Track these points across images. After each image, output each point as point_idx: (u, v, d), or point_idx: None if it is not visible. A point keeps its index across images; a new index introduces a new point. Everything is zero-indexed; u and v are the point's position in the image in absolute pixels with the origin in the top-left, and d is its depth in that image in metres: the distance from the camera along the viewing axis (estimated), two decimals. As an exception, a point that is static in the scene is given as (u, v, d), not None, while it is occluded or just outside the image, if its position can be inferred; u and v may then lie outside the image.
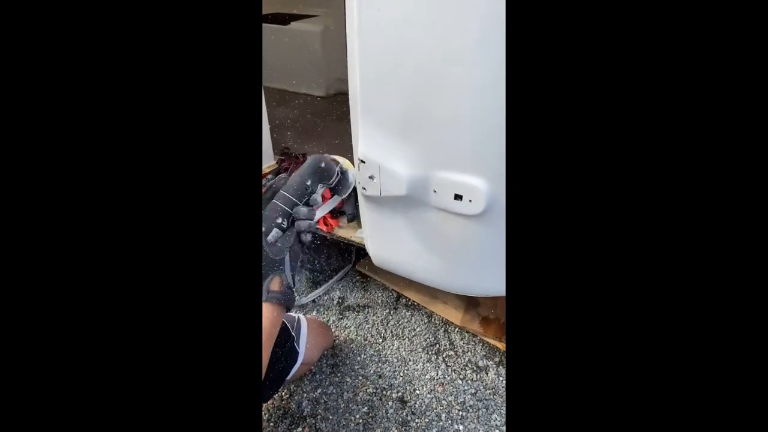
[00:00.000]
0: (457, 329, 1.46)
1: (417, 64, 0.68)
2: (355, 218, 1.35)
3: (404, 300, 1.58)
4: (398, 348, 1.40)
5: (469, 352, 1.39)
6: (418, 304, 1.56)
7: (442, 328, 1.47)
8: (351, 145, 1.79)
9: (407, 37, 0.66)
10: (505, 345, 1.43)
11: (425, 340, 1.43)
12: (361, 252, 1.80)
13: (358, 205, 1.39)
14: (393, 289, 1.61)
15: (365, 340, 1.43)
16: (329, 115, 2.32)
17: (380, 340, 1.43)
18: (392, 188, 0.83)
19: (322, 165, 0.66)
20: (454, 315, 1.49)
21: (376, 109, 0.77)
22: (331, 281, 1.64)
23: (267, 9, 2.63)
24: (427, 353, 1.39)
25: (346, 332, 1.46)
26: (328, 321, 1.50)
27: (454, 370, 1.33)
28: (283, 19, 2.49)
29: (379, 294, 1.61)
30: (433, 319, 1.50)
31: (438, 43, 0.65)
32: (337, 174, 0.67)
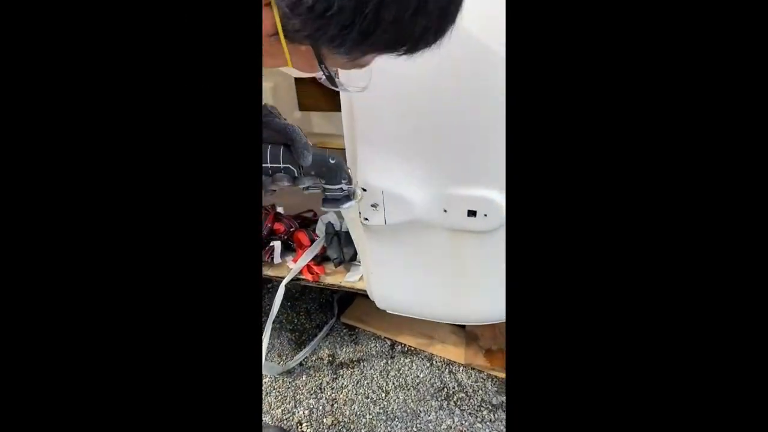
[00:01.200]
0: (461, 368, 1.37)
1: (417, 78, 0.66)
2: (341, 262, 1.26)
3: (400, 347, 1.47)
4: (405, 400, 1.28)
5: (480, 390, 1.29)
6: (415, 348, 1.45)
7: (446, 370, 1.37)
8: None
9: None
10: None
11: (432, 386, 1.32)
12: (344, 302, 1.68)
13: (343, 249, 1.31)
14: (386, 337, 1.50)
15: (367, 397, 1.29)
16: (288, 168, 2.27)
17: (383, 395, 1.30)
18: (398, 214, 0.78)
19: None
20: (456, 353, 1.41)
21: (374, 134, 0.73)
22: (316, 339, 1.50)
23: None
24: (437, 400, 1.27)
25: (344, 393, 1.31)
26: (321, 383, 1.35)
27: (470, 413, 1.23)
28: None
29: (372, 344, 1.49)
30: (434, 362, 1.40)
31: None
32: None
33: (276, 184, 0.64)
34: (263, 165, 0.64)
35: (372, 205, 0.78)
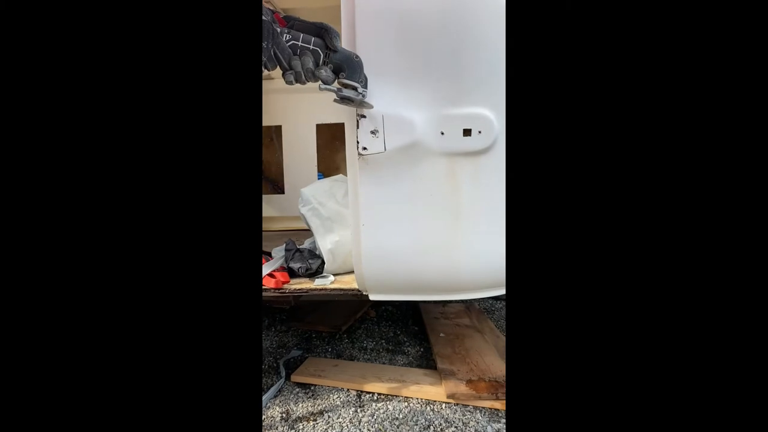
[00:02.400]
0: (444, 405, 1.17)
1: (414, 8, 0.77)
2: (308, 270, 1.12)
3: (368, 395, 1.24)
4: (387, 443, 1.02)
5: (471, 422, 1.10)
6: (386, 395, 1.23)
7: (427, 408, 1.16)
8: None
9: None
10: (504, 403, 1.19)
11: (416, 424, 1.09)
12: (291, 366, 1.41)
13: (309, 260, 1.19)
14: (349, 389, 1.26)
15: (339, 447, 1.01)
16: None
17: (359, 443, 1.03)
18: (399, 137, 0.78)
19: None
20: (432, 392, 1.22)
21: (374, 62, 0.79)
22: (264, 397, 1.20)
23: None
24: (426, 436, 1.04)
25: (307, 446, 1.01)
26: (275, 442, 1.03)
27: (467, 444, 1.01)
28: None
29: (335, 396, 1.23)
30: (411, 403, 1.19)
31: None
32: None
33: (300, 60, 0.65)
34: (294, 42, 0.66)
35: (371, 132, 0.79)
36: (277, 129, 2.39)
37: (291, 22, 0.69)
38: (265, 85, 2.25)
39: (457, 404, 1.17)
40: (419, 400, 1.20)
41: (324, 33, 0.69)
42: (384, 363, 1.43)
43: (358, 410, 1.16)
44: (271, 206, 2.43)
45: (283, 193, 2.40)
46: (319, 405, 1.19)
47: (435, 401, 1.19)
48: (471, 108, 0.80)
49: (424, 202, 0.84)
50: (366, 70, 0.79)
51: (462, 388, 1.20)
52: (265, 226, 2.41)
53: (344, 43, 0.80)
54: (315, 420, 1.11)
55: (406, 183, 0.83)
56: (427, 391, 1.23)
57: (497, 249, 0.87)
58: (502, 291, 0.92)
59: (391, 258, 0.87)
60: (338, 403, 1.20)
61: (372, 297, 0.97)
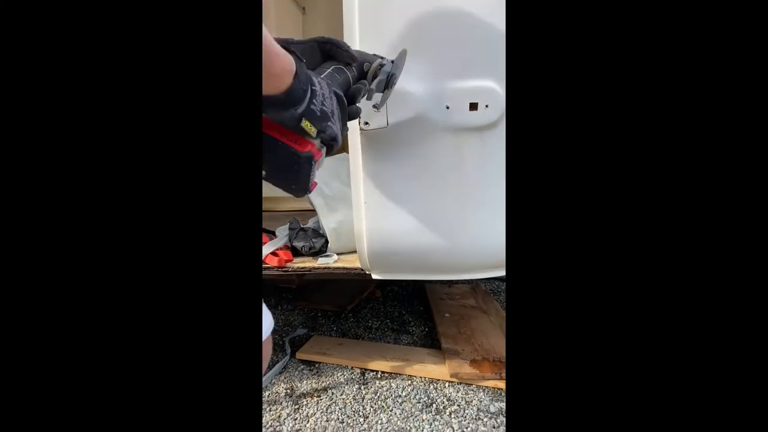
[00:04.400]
0: (447, 384, 1.18)
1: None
2: (312, 249, 1.12)
3: (372, 373, 1.25)
4: (389, 420, 1.03)
5: (474, 401, 1.10)
6: (390, 373, 1.24)
7: (431, 386, 1.17)
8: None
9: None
10: (505, 381, 1.19)
11: (419, 402, 1.09)
12: (296, 344, 1.42)
13: (312, 239, 1.18)
14: (353, 366, 1.27)
15: (342, 423, 1.02)
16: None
17: (361, 420, 1.04)
18: (401, 111, 0.76)
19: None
20: (436, 371, 1.22)
21: (376, 33, 0.76)
22: (269, 374, 1.22)
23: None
24: (428, 414, 1.05)
25: (311, 421, 1.02)
26: (279, 416, 1.05)
27: (469, 421, 1.02)
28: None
29: (339, 374, 1.24)
30: (414, 382, 1.19)
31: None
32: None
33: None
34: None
35: (374, 106, 0.76)
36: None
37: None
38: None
39: (461, 383, 1.18)
40: (423, 379, 1.21)
41: (333, 49, 0.57)
42: (389, 342, 1.44)
43: (362, 387, 1.17)
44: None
45: (289, 172, 2.38)
46: (323, 382, 1.20)
47: (438, 380, 1.20)
48: (477, 81, 0.76)
49: (428, 180, 0.82)
50: (367, 38, 0.76)
51: (465, 367, 1.20)
52: (270, 206, 2.42)
53: (345, 8, 0.77)
54: (319, 396, 1.12)
55: (410, 160, 0.81)
56: (430, 370, 1.23)
57: (502, 229, 0.86)
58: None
59: (393, 237, 0.85)
60: (342, 380, 1.21)
61: (375, 276, 0.96)
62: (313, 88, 0.46)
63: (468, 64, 0.76)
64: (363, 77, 0.61)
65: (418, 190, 0.82)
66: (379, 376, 1.23)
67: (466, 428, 0.99)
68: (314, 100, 0.46)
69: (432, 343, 1.42)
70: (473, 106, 0.76)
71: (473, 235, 0.84)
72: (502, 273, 0.90)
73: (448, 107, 0.77)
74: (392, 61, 0.65)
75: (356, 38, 0.77)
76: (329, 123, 0.49)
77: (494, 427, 1.00)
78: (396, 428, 1.00)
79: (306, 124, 0.46)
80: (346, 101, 0.53)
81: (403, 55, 0.68)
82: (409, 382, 1.19)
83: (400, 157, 0.81)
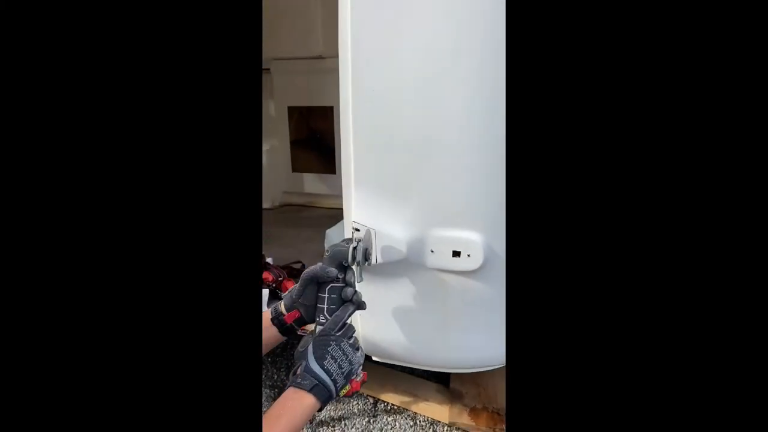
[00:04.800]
0: (445, 428, 1.33)
1: (409, 129, 0.76)
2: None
3: (383, 405, 1.43)
4: (387, 460, 1.22)
5: (465, 452, 1.24)
6: (398, 407, 1.41)
7: (430, 429, 1.33)
8: (302, 249, 1.76)
9: (399, 109, 0.76)
10: (500, 436, 1.32)
11: (416, 446, 1.27)
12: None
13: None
14: (369, 395, 1.46)
15: (348, 457, 1.23)
16: (279, 224, 2.33)
17: (365, 456, 1.24)
18: (390, 253, 0.83)
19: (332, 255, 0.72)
20: (440, 412, 1.37)
21: (369, 177, 0.81)
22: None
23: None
24: (421, 460, 1.22)
25: (323, 452, 1.25)
26: (299, 443, 1.28)
27: (454, 475, 1.17)
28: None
29: (354, 403, 1.44)
30: (417, 421, 1.36)
31: (429, 110, 0.75)
32: (353, 249, 0.71)
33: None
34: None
35: (364, 248, 0.84)
36: (329, 110, 2.42)
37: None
38: (315, 64, 2.26)
39: (458, 429, 1.32)
40: (426, 418, 1.37)
41: (319, 277, 0.70)
42: (403, 371, 1.60)
43: (371, 421, 1.36)
44: (323, 184, 2.56)
45: (334, 173, 2.50)
46: (340, 410, 1.41)
47: (439, 422, 1.35)
48: (460, 231, 0.80)
49: (412, 306, 0.90)
50: (360, 181, 0.82)
51: (464, 417, 1.33)
52: (315, 201, 2.58)
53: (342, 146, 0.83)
54: (333, 427, 1.34)
55: (398, 287, 0.89)
56: (434, 410, 1.38)
57: (487, 346, 0.93)
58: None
59: (384, 343, 0.97)
60: (356, 411, 1.41)
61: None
62: (335, 385, 0.63)
63: (453, 214, 0.80)
64: (345, 268, 0.71)
65: (406, 313, 0.91)
66: (388, 408, 1.41)
67: (450, 483, 1.15)
68: (338, 386, 0.64)
69: (443, 376, 1.56)
70: (456, 253, 0.81)
71: (457, 356, 0.93)
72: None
73: (432, 251, 0.83)
74: (359, 240, 0.73)
75: (351, 185, 0.83)
76: (353, 369, 0.66)
77: (476, 484, 1.15)
78: (391, 471, 1.18)
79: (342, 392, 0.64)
80: (352, 330, 0.69)
81: (368, 234, 0.76)
82: (413, 422, 1.36)
83: (388, 284, 0.89)
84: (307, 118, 2.45)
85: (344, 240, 0.76)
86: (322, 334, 0.66)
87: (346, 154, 0.81)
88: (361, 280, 0.72)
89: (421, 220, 0.81)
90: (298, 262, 1.59)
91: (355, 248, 0.71)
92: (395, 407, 1.41)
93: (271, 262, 1.56)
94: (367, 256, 0.73)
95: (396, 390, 1.46)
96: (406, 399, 1.43)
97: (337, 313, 0.69)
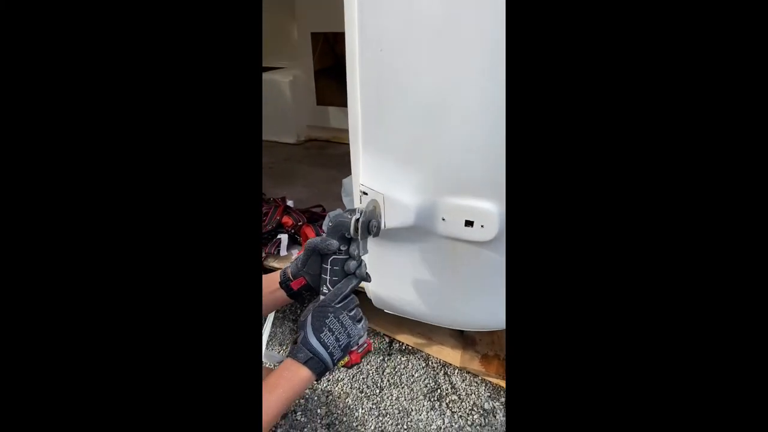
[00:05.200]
0: (456, 371, 1.38)
1: (421, 92, 0.68)
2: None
3: (398, 345, 1.49)
4: (398, 398, 1.30)
5: (473, 395, 1.30)
6: (412, 347, 1.48)
7: (441, 371, 1.39)
8: (324, 191, 1.73)
9: (410, 70, 0.67)
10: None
11: (425, 386, 1.34)
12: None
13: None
14: (385, 335, 1.53)
15: (361, 392, 1.32)
16: (302, 162, 2.30)
17: (377, 391, 1.32)
18: (398, 219, 0.80)
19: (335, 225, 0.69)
20: (452, 356, 1.42)
21: (378, 140, 0.75)
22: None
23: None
24: (430, 400, 1.29)
25: (339, 386, 1.34)
26: (318, 375, 1.38)
27: (461, 416, 1.24)
28: (251, 71, 2.52)
29: (371, 341, 1.52)
30: (430, 362, 1.42)
31: (442, 72, 0.65)
32: (356, 222, 0.67)
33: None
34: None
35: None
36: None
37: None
38: None
39: (469, 372, 1.37)
40: (438, 361, 1.42)
41: (321, 249, 0.68)
42: (421, 312, 1.65)
43: (385, 359, 1.44)
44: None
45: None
46: (357, 347, 1.49)
47: (451, 365, 1.40)
48: (474, 200, 0.74)
49: (425, 267, 0.88)
50: (369, 144, 0.76)
51: (475, 363, 1.37)
52: (340, 137, 2.50)
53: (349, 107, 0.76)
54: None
55: (408, 250, 0.87)
56: (446, 353, 1.43)
57: (498, 309, 0.92)
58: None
59: (391, 299, 0.97)
60: (372, 348, 1.48)
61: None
62: (332, 358, 0.64)
63: (467, 182, 0.74)
64: (348, 240, 0.68)
65: (415, 275, 0.90)
66: (403, 348, 1.48)
67: (455, 423, 1.22)
68: (335, 359, 0.64)
69: (459, 320, 1.60)
70: (469, 223, 0.76)
71: (464, 318, 0.92)
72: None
73: (444, 219, 0.78)
74: (362, 212, 0.69)
75: (359, 146, 0.77)
76: (351, 342, 0.66)
77: (481, 426, 1.22)
78: (400, 407, 1.27)
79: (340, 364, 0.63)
80: (354, 302, 0.69)
81: (374, 204, 0.71)
82: (425, 363, 1.42)
83: (398, 246, 0.87)
84: (332, 45, 2.28)
85: (347, 211, 0.72)
86: (322, 305, 0.66)
87: (354, 113, 0.74)
88: (366, 252, 0.70)
89: (432, 186, 0.76)
90: (319, 206, 1.58)
91: (357, 220, 0.67)
92: (409, 348, 1.48)
93: (292, 205, 1.56)
94: (371, 229, 0.69)
95: (411, 332, 1.52)
96: (420, 341, 1.48)
97: (339, 285, 0.67)
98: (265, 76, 2.43)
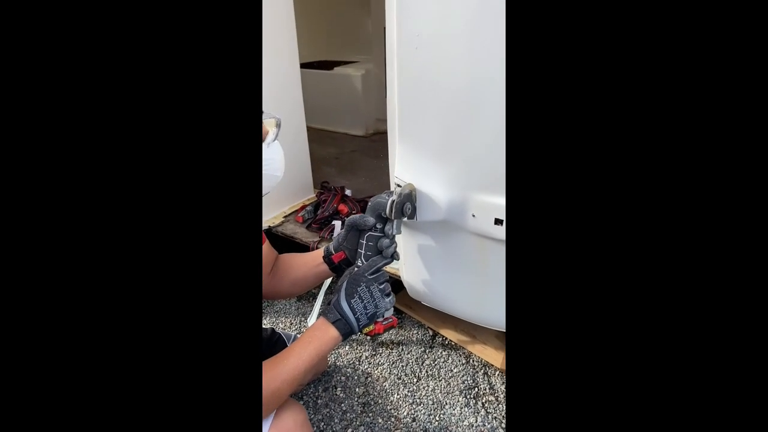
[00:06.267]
0: (497, 372, 1.36)
1: (455, 88, 0.68)
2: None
3: (440, 339, 1.51)
4: (434, 389, 1.32)
5: (511, 399, 1.28)
6: (455, 343, 1.48)
7: (482, 371, 1.38)
8: (384, 183, 1.79)
9: (444, 66, 0.68)
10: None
11: (463, 383, 1.34)
12: (395, 287, 1.75)
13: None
14: (429, 327, 1.55)
15: (399, 378, 1.36)
16: (367, 154, 2.38)
17: (414, 380, 1.35)
18: (429, 213, 0.82)
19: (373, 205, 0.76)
20: (494, 357, 1.40)
21: (413, 134, 0.77)
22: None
23: (314, 57, 2.82)
24: (465, 397, 1.29)
25: (379, 369, 1.40)
26: (360, 357, 1.45)
27: (495, 417, 1.23)
28: (328, 65, 2.65)
29: (415, 331, 1.55)
30: (471, 360, 1.41)
31: (475, 68, 0.66)
32: (392, 203, 0.73)
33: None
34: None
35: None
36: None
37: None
38: None
39: (510, 376, 1.34)
40: (479, 360, 1.41)
41: (359, 225, 0.75)
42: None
43: (427, 351, 1.46)
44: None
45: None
46: (401, 335, 1.53)
47: (492, 366, 1.38)
48: (504, 199, 0.74)
49: (455, 263, 0.89)
50: (404, 138, 0.79)
51: (516, 367, 1.34)
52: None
53: (388, 104, 0.79)
54: (392, 349, 1.47)
55: (439, 244, 0.88)
56: (489, 354, 1.41)
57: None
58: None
59: (424, 289, 0.99)
60: (414, 339, 1.51)
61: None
62: (358, 323, 0.70)
63: (497, 180, 0.73)
64: (385, 219, 0.75)
65: (446, 269, 0.91)
66: (445, 343, 1.49)
67: (489, 423, 1.21)
68: (361, 325, 0.70)
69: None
70: (498, 221, 0.76)
71: (495, 316, 0.91)
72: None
73: (474, 216, 0.78)
74: (400, 194, 0.73)
75: (396, 140, 0.80)
76: (378, 312, 0.72)
77: (514, 430, 1.20)
78: (435, 399, 1.29)
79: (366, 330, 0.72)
80: (384, 277, 0.74)
81: (411, 189, 0.75)
82: (466, 360, 1.42)
83: (430, 239, 0.88)
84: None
85: (386, 192, 0.77)
86: (356, 274, 0.71)
87: (392, 108, 0.78)
88: (399, 232, 0.74)
89: (464, 181, 0.76)
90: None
91: (393, 201, 0.72)
92: (452, 343, 1.48)
93: (350, 194, 1.64)
94: (405, 212, 0.74)
95: (456, 328, 1.52)
96: (464, 338, 1.48)
97: (373, 258, 0.73)
98: (339, 70, 2.54)
